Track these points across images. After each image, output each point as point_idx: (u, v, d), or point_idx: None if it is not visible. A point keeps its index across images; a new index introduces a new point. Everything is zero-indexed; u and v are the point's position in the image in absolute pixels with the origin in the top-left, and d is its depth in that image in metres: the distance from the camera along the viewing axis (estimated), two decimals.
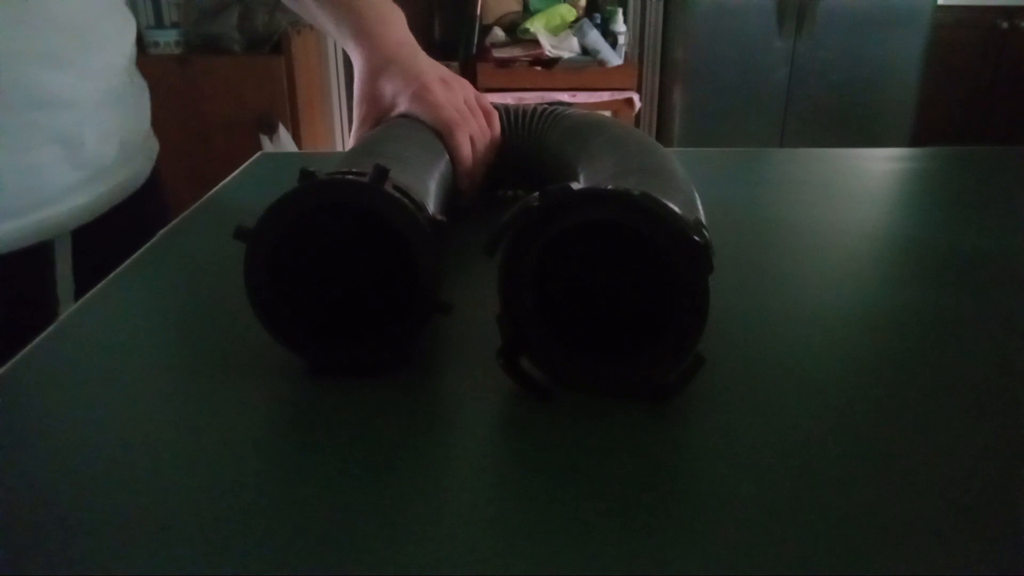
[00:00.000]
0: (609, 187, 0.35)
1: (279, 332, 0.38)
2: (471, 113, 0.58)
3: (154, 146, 0.74)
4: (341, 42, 0.65)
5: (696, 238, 0.33)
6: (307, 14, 0.67)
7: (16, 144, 0.55)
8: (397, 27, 0.63)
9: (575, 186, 0.34)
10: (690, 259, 0.33)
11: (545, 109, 0.62)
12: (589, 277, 0.39)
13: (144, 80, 0.72)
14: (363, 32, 0.62)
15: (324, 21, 0.65)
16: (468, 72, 2.66)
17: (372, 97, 0.60)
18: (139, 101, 0.71)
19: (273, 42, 2.33)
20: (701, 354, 0.34)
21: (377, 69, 0.60)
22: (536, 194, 0.34)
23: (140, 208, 0.69)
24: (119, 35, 0.66)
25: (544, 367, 0.37)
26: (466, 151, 0.56)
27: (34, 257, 0.58)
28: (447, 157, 0.55)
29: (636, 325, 0.36)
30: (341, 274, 0.40)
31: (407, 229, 0.37)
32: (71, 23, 0.58)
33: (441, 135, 0.55)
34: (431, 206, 0.43)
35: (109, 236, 0.63)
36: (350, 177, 0.38)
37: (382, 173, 0.37)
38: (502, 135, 0.61)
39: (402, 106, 0.58)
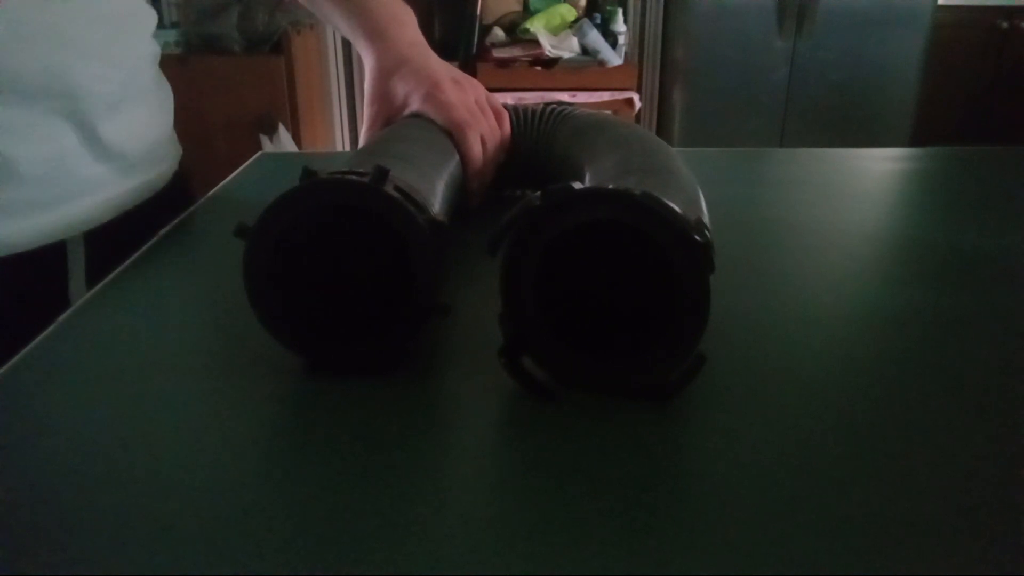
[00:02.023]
0: (610, 187, 0.35)
1: (277, 330, 0.38)
2: (482, 113, 0.59)
3: (178, 149, 0.73)
4: (353, 41, 0.65)
5: (697, 237, 0.33)
6: (321, 13, 0.68)
7: (36, 133, 0.54)
8: (409, 27, 0.63)
9: (576, 186, 0.34)
10: (691, 258, 0.33)
11: (552, 109, 0.62)
12: (591, 276, 0.39)
13: (167, 81, 0.71)
14: (375, 32, 0.62)
15: (337, 20, 0.65)
16: (468, 72, 2.66)
17: (384, 97, 0.60)
18: (163, 100, 0.70)
19: (273, 42, 2.33)
20: (703, 353, 0.34)
21: (389, 69, 0.60)
22: (538, 193, 0.35)
23: (160, 210, 0.66)
24: (141, 28, 0.65)
25: (546, 366, 0.37)
26: (476, 151, 0.56)
27: (49, 257, 0.57)
28: (456, 157, 0.55)
29: (637, 324, 0.37)
30: (341, 273, 0.40)
31: (405, 230, 0.37)
32: (98, 11, 0.57)
33: (452, 135, 0.56)
34: (437, 206, 0.43)
35: (127, 237, 0.61)
36: (350, 177, 0.38)
37: (382, 174, 0.37)
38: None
39: (414, 106, 0.58)
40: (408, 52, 0.61)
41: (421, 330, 0.38)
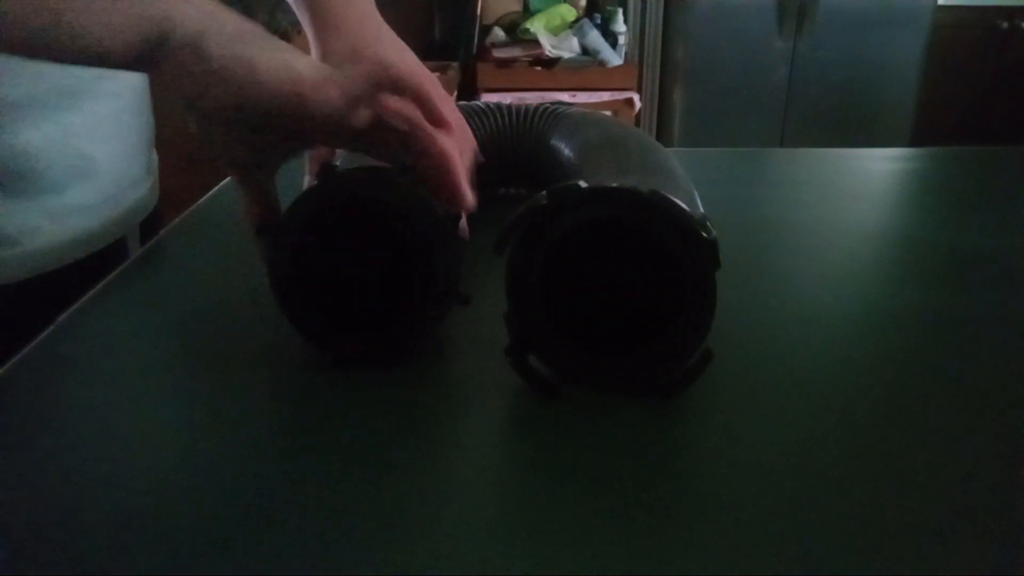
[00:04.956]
0: (615, 185, 0.35)
1: (303, 325, 0.39)
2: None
3: None
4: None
5: (705, 235, 0.33)
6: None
7: (112, 130, 0.57)
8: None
9: (583, 184, 0.35)
10: (698, 256, 0.33)
11: (545, 108, 0.62)
12: (597, 274, 0.39)
13: None
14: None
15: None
16: (468, 73, 2.66)
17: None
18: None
19: None
20: (710, 349, 0.34)
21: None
22: (544, 193, 0.35)
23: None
24: None
25: (552, 364, 0.37)
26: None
27: (113, 253, 0.59)
28: None
29: (643, 322, 0.37)
30: (362, 266, 0.40)
31: (428, 222, 0.37)
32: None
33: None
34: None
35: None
36: (378, 171, 0.38)
37: (405, 168, 0.37)
38: (502, 134, 0.61)
39: None
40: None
41: (443, 319, 0.39)
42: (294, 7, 0.59)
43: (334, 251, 0.39)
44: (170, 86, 0.36)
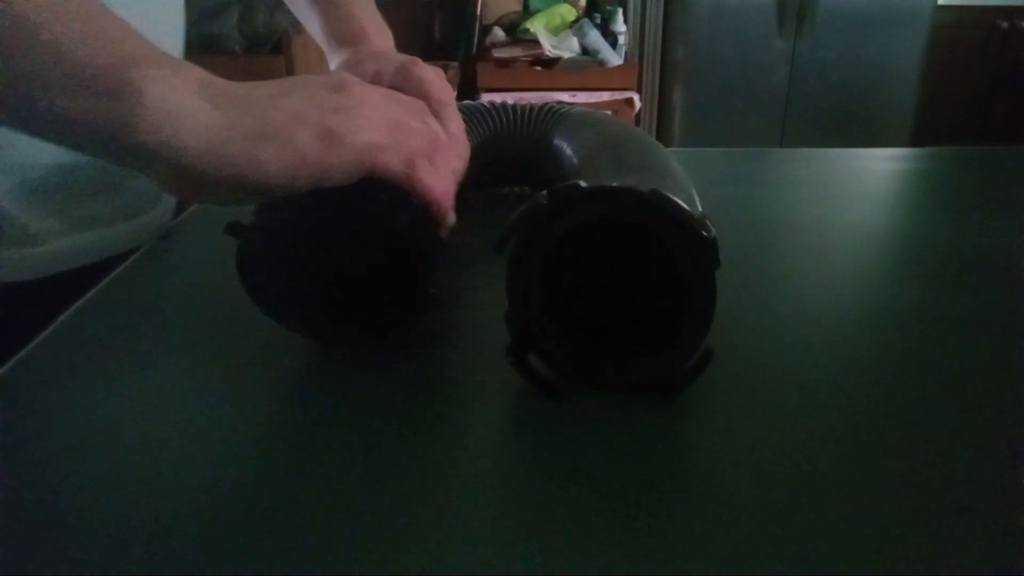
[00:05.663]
0: (615, 184, 0.36)
1: (276, 314, 0.40)
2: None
3: None
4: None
5: (704, 234, 0.33)
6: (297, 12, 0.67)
7: None
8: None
9: (583, 184, 0.35)
10: (698, 255, 0.33)
11: (546, 107, 0.62)
12: (596, 274, 0.39)
13: None
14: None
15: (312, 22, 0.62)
16: (468, 72, 2.66)
17: None
18: None
19: (273, 42, 2.33)
20: (710, 348, 0.34)
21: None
22: (544, 192, 0.35)
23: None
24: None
25: (552, 364, 0.37)
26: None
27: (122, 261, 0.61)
28: None
29: (643, 321, 0.37)
30: (330, 258, 0.41)
31: (394, 218, 0.38)
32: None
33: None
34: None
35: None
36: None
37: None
38: (503, 133, 0.61)
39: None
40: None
41: (411, 314, 0.40)
42: (304, 19, 0.60)
43: (304, 240, 0.40)
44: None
